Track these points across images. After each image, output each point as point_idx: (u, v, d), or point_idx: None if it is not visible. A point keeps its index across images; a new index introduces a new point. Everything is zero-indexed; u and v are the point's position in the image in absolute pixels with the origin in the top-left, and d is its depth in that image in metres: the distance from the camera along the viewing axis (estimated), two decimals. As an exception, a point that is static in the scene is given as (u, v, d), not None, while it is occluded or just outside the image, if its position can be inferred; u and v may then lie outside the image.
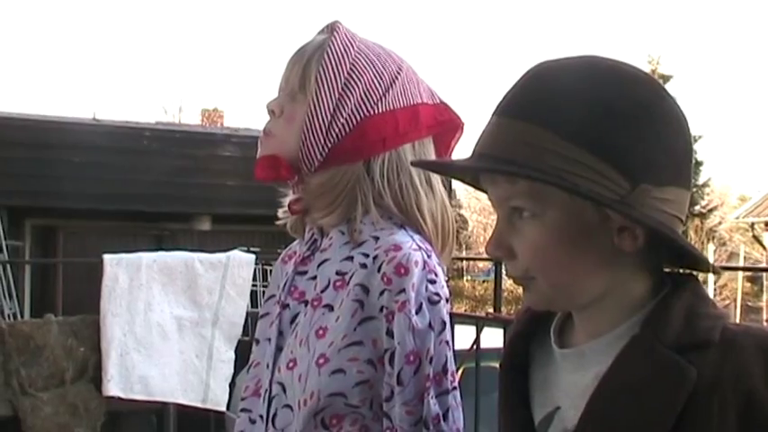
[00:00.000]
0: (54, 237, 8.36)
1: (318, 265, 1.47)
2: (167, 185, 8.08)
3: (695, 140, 31.08)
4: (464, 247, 27.29)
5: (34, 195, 7.68)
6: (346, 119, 1.42)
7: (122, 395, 4.02)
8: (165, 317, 4.16)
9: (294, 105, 1.44)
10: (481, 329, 3.72)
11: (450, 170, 1.27)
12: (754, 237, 20.17)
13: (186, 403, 4.15)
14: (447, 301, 1.39)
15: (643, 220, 0.95)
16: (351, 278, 1.40)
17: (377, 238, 1.42)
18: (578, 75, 1.00)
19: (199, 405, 4.17)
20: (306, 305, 1.45)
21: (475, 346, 3.74)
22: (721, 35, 55.06)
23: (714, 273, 1.07)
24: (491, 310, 4.17)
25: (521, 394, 1.12)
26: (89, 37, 50.83)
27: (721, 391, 0.92)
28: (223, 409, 4.28)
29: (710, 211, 30.03)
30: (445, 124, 1.53)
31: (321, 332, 1.40)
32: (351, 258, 1.42)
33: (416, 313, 1.35)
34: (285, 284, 1.52)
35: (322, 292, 1.43)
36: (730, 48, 55.26)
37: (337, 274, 1.43)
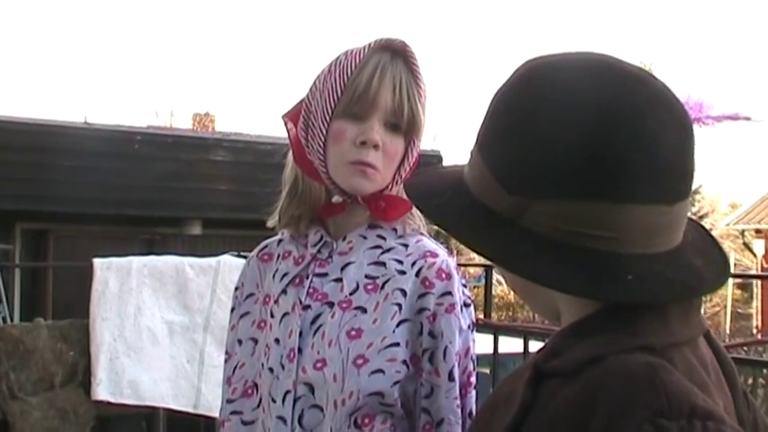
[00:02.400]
0: (44, 240, 8.33)
1: (342, 268, 1.50)
2: (158, 189, 8.05)
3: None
4: (455, 252, 27.35)
5: (25, 199, 7.65)
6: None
7: (112, 399, 4.01)
8: (156, 321, 4.15)
9: (394, 141, 1.50)
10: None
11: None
12: (745, 244, 20.22)
13: (177, 408, 4.14)
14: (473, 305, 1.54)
15: (486, 252, 0.93)
16: (386, 283, 1.48)
17: (405, 246, 1.52)
18: (509, 82, 1.00)
19: (190, 410, 4.16)
20: (331, 307, 1.48)
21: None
22: (714, 41, 55.29)
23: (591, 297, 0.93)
24: (482, 316, 4.17)
25: None
26: (81, 40, 50.77)
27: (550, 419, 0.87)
28: (215, 414, 4.27)
29: (701, 217, 30.11)
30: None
31: (354, 333, 1.45)
32: (383, 264, 1.50)
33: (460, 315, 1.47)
34: (305, 287, 1.53)
35: (351, 294, 1.48)
36: (723, 54, 55.51)
37: (367, 277, 1.49)
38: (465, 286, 1.51)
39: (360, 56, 1.48)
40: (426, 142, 1.45)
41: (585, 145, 0.88)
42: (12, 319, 7.16)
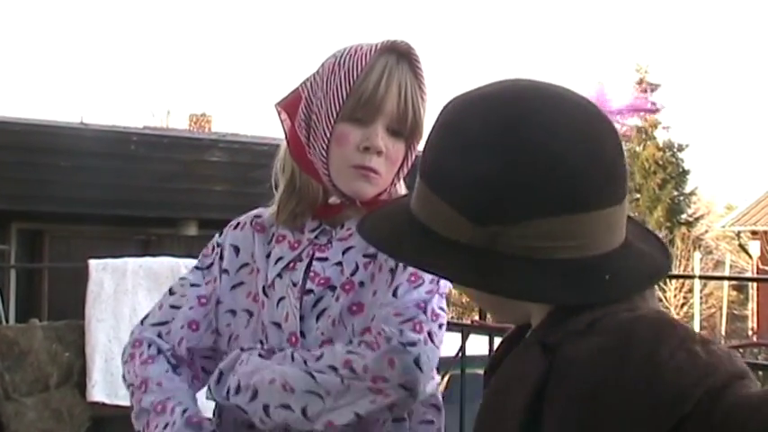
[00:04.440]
0: (40, 241, 8.32)
1: (343, 252, 1.51)
2: (154, 190, 8.05)
3: (682, 149, 31.23)
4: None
5: (20, 199, 7.64)
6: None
7: (107, 401, 4.01)
8: (151, 322, 4.14)
9: (396, 146, 1.51)
10: (467, 337, 3.72)
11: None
12: (740, 245, 20.26)
13: (171, 409, 4.14)
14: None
15: (475, 284, 0.97)
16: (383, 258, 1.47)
17: None
18: (447, 111, 1.02)
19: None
20: (333, 290, 1.49)
21: (460, 354, 3.74)
22: (709, 44, 55.35)
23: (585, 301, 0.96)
24: (477, 317, 4.17)
25: None
26: (77, 40, 50.73)
27: (569, 381, 0.89)
28: (210, 416, 4.26)
29: (697, 219, 30.14)
30: None
31: (356, 308, 1.47)
32: None
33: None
34: (299, 270, 1.52)
35: (352, 275, 1.49)
36: (718, 57, 55.61)
37: (365, 256, 1.49)
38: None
39: (366, 58, 1.48)
40: (422, 144, 1.45)
41: (547, 166, 0.93)
42: (6, 320, 7.14)
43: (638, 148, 30.99)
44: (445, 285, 1.47)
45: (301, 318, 1.48)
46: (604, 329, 0.90)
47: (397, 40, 1.50)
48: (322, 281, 1.50)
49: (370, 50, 1.49)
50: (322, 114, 1.48)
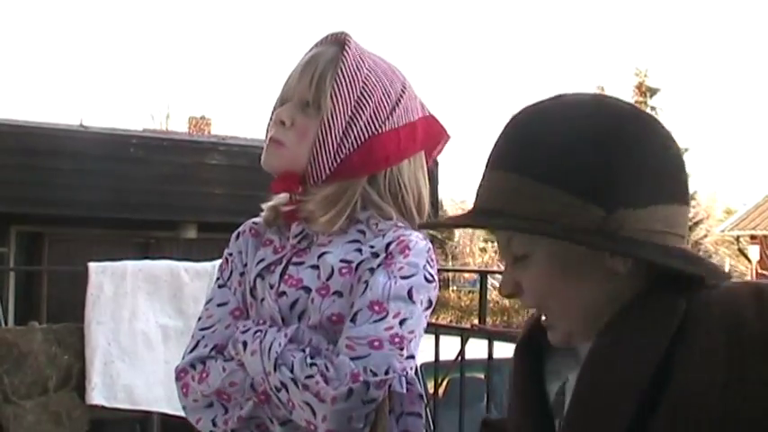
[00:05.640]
0: (40, 243, 8.32)
1: (319, 257, 1.52)
2: (153, 193, 8.05)
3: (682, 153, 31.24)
4: (450, 257, 27.31)
5: (20, 202, 7.64)
6: (356, 136, 1.52)
7: (106, 404, 4.01)
8: (150, 326, 4.15)
9: (306, 119, 1.52)
10: (466, 341, 3.73)
11: (451, 227, 1.35)
12: (740, 250, 20.28)
13: (171, 413, 4.13)
14: (437, 288, 1.51)
15: (616, 247, 1.00)
16: (359, 265, 1.49)
17: (384, 234, 1.52)
18: (548, 115, 1.07)
19: (184, 414, 4.15)
20: (308, 292, 1.50)
21: (460, 358, 3.75)
22: (709, 49, 55.40)
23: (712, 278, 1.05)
24: (476, 322, 4.17)
25: (536, 374, 1.16)
26: (77, 42, 50.75)
27: (710, 317, 0.96)
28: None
29: (696, 223, 30.15)
30: (434, 137, 1.64)
31: (336, 318, 1.48)
32: (359, 250, 1.51)
33: (403, 278, 1.46)
34: (276, 273, 1.54)
35: (327, 280, 1.50)
36: (718, 61, 55.65)
37: (342, 261, 1.50)
38: (431, 265, 1.51)
39: (310, 51, 1.57)
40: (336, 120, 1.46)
41: (667, 157, 1.04)
42: (6, 323, 7.14)
43: (637, 153, 30.96)
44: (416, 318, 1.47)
45: (283, 320, 1.51)
46: (727, 285, 1.00)
47: (337, 31, 1.57)
48: (295, 282, 1.52)
49: (315, 45, 1.57)
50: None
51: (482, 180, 1.10)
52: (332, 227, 1.52)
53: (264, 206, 1.63)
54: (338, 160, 1.51)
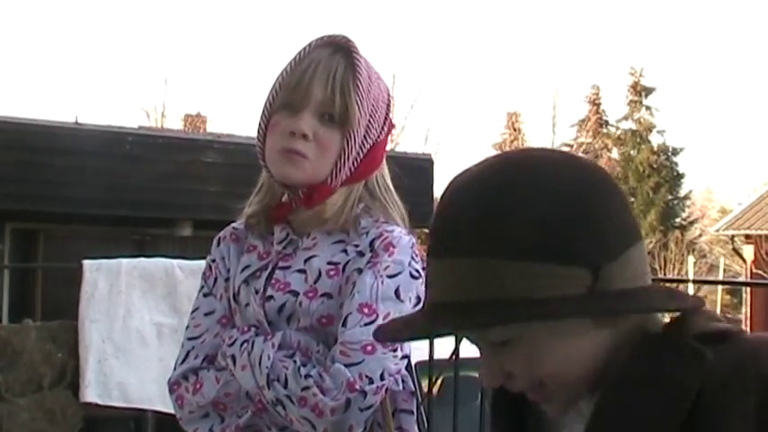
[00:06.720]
0: (34, 240, 8.29)
1: (305, 261, 1.53)
2: (149, 190, 8.03)
3: (677, 153, 31.30)
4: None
5: (15, 198, 7.61)
6: (368, 144, 1.55)
7: (100, 401, 4.00)
8: (145, 323, 4.14)
9: (329, 132, 1.52)
10: (461, 339, 3.73)
11: (415, 336, 1.13)
12: (734, 249, 20.29)
13: (165, 410, 4.13)
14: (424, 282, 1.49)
15: (617, 306, 0.97)
16: (346, 265, 1.50)
17: (367, 232, 1.53)
18: (499, 189, 0.97)
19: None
20: (296, 296, 1.51)
21: (454, 356, 3.75)
22: (704, 48, 55.48)
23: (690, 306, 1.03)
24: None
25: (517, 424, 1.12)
26: (72, 39, 50.66)
27: (739, 375, 0.93)
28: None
29: (691, 223, 30.22)
30: (391, 127, 1.68)
31: (326, 320, 1.49)
32: (345, 251, 1.52)
33: (389, 277, 1.47)
34: (262, 278, 1.55)
35: (315, 282, 1.51)
36: (714, 60, 55.72)
37: (329, 264, 1.52)
38: (417, 261, 1.52)
39: (302, 53, 1.55)
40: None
41: (620, 199, 1.02)
42: (0, 320, 7.13)
43: (632, 152, 31.06)
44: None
45: (270, 323, 1.51)
46: (729, 337, 0.98)
47: (335, 34, 1.56)
48: (282, 286, 1.52)
49: (309, 45, 1.56)
50: (262, 109, 1.57)
51: (434, 271, 1.00)
52: (334, 226, 1.54)
53: (245, 212, 1.62)
54: (354, 168, 1.54)
